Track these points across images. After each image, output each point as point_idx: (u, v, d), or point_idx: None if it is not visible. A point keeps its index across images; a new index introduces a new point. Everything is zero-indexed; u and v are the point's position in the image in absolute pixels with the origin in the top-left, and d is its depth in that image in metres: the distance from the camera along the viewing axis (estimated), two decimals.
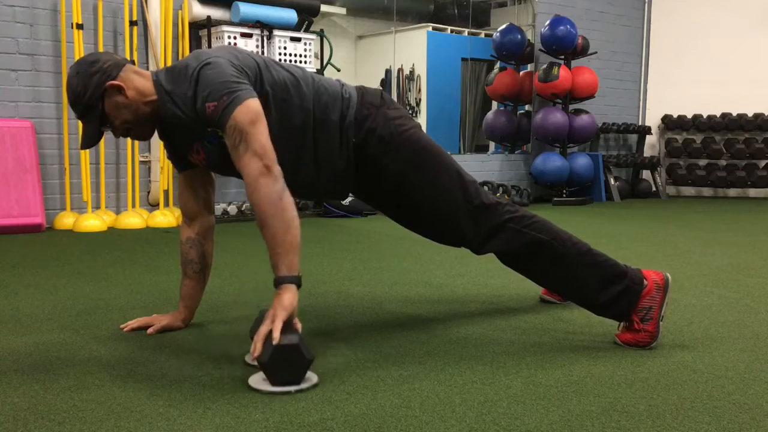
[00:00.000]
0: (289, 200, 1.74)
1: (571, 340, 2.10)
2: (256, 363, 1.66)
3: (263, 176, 1.73)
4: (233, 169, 1.86)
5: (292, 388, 1.61)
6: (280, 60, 5.13)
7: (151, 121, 1.96)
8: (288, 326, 1.67)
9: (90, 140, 1.93)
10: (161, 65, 4.85)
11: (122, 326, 2.18)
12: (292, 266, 1.71)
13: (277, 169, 1.76)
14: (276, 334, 1.62)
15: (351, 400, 1.58)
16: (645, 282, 2.00)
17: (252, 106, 1.78)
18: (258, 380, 1.66)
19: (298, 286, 1.71)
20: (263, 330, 1.65)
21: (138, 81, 1.91)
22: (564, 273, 2.07)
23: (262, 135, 1.77)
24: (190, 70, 1.84)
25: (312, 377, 1.68)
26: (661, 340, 2.01)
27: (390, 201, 2.16)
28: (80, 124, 1.95)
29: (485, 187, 6.49)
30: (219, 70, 1.80)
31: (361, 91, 2.10)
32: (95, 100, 1.88)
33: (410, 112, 8.47)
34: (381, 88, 2.19)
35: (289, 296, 1.68)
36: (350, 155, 2.05)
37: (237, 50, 1.94)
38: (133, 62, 2.00)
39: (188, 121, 1.88)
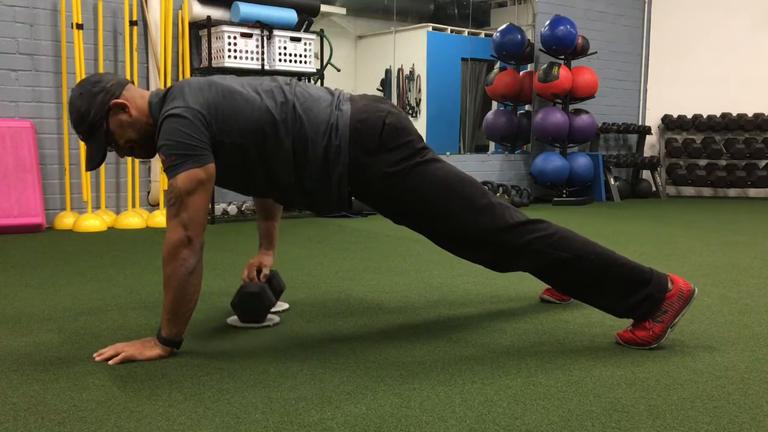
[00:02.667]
0: (197, 277, 1.85)
1: (571, 340, 2.10)
2: (233, 323, 2.23)
3: (183, 247, 1.81)
4: (231, 182, 2.03)
5: (255, 326, 2.20)
6: (280, 59, 5.15)
7: (154, 140, 1.96)
8: (279, 287, 2.35)
9: (94, 161, 1.94)
10: (161, 65, 4.86)
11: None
12: (177, 334, 1.88)
13: (198, 242, 1.83)
14: (111, 362, 1.82)
15: (351, 400, 1.58)
16: (670, 286, 1.97)
17: (196, 176, 1.81)
18: (234, 320, 2.25)
19: (175, 347, 1.90)
20: (108, 352, 1.86)
21: (139, 101, 1.93)
22: (587, 286, 2.04)
23: (195, 206, 1.82)
24: (165, 109, 1.85)
25: (274, 318, 2.26)
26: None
27: (398, 222, 2.10)
28: (82, 145, 1.96)
29: (487, 186, 6.48)
30: (180, 125, 1.81)
31: (355, 130, 1.93)
32: (100, 118, 1.89)
33: (410, 111, 8.47)
34: (384, 110, 1.98)
35: (156, 351, 1.87)
36: (346, 196, 2.00)
37: (218, 93, 1.88)
38: (131, 83, 2.00)
39: None
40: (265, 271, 2.31)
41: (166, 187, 4.93)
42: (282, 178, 1.95)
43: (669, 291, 1.96)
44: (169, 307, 1.85)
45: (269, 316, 2.27)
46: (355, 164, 1.94)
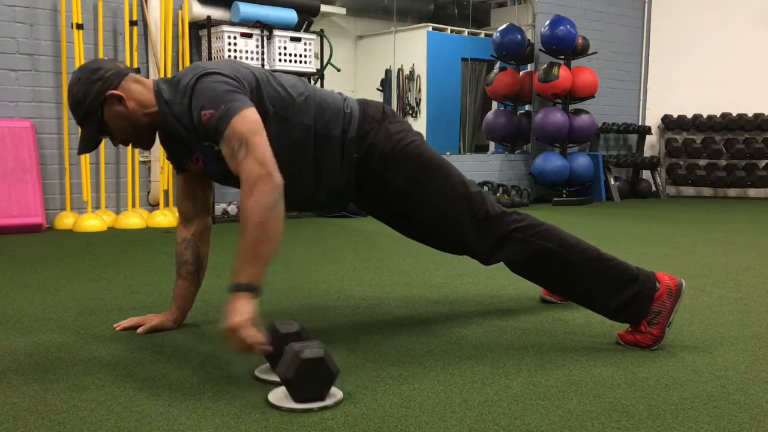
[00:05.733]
0: (280, 213, 1.68)
1: (571, 340, 2.10)
2: (267, 377, 1.68)
3: (263, 181, 1.66)
4: (231, 178, 1.85)
5: (315, 405, 1.52)
6: (280, 59, 5.15)
7: (151, 132, 1.97)
8: (308, 339, 1.68)
9: (87, 146, 1.93)
10: (161, 65, 4.86)
11: (115, 325, 2.18)
12: (256, 277, 1.65)
13: (278, 177, 1.69)
14: (244, 346, 1.60)
15: (351, 400, 1.58)
16: (657, 285, 1.97)
17: (251, 116, 1.75)
18: (280, 396, 1.56)
19: (255, 294, 1.64)
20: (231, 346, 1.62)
21: (139, 91, 1.91)
22: (573, 280, 2.05)
23: (263, 144, 1.72)
24: (186, 79, 1.83)
25: (337, 393, 1.59)
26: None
27: (394, 214, 2.14)
28: (80, 129, 1.95)
29: (485, 188, 6.49)
30: (216, 79, 1.79)
31: (363, 105, 2.07)
32: (95, 107, 1.87)
33: (410, 111, 8.47)
34: (383, 102, 2.18)
35: (245, 304, 1.61)
36: (351, 171, 2.03)
37: (237, 63, 1.92)
38: (138, 70, 1.98)
39: (187, 135, 1.87)
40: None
41: (165, 187, 4.97)
42: (299, 151, 1.96)
43: (657, 291, 1.96)
44: (248, 247, 1.64)
45: (333, 389, 1.60)
46: (363, 129, 2.01)
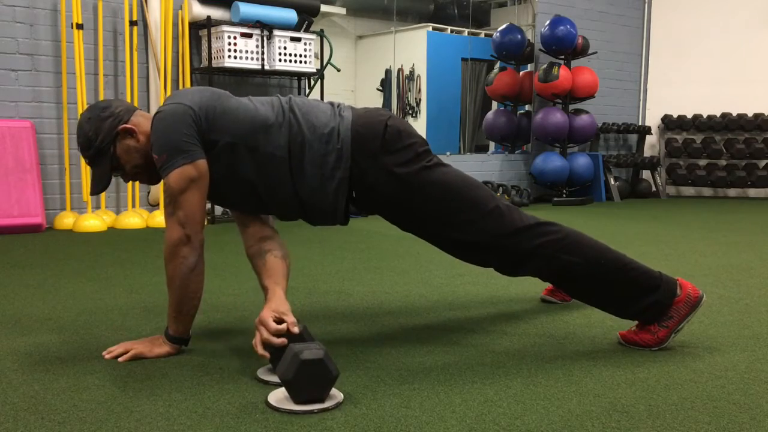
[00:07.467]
0: (199, 274, 1.86)
1: (571, 340, 2.10)
2: (269, 379, 1.69)
3: (182, 245, 1.82)
4: (229, 198, 1.99)
5: (315, 407, 1.51)
6: (280, 59, 5.15)
7: None
8: (310, 340, 1.67)
9: (99, 185, 1.93)
10: (161, 65, 4.86)
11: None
12: (184, 331, 1.92)
13: (197, 240, 1.84)
14: (120, 359, 1.85)
15: (351, 400, 1.58)
16: (678, 292, 1.95)
17: (186, 173, 1.81)
18: (280, 398, 1.56)
19: (183, 344, 1.94)
20: (118, 350, 1.89)
21: (147, 126, 1.93)
22: (595, 291, 2.02)
23: (190, 203, 1.82)
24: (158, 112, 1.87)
25: (337, 395, 1.58)
26: None
27: (405, 228, 2.06)
28: (88, 168, 1.94)
29: (488, 185, 6.48)
30: (168, 122, 1.82)
31: (357, 131, 1.90)
32: (107, 144, 1.89)
33: (410, 111, 8.47)
34: (385, 114, 1.97)
35: (165, 349, 1.90)
36: (346, 205, 1.95)
37: (208, 95, 1.88)
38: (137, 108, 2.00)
39: None
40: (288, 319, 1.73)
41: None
42: (276, 183, 1.91)
43: (677, 296, 1.95)
44: (174, 305, 1.87)
45: (333, 391, 1.60)
46: (358, 168, 1.90)
